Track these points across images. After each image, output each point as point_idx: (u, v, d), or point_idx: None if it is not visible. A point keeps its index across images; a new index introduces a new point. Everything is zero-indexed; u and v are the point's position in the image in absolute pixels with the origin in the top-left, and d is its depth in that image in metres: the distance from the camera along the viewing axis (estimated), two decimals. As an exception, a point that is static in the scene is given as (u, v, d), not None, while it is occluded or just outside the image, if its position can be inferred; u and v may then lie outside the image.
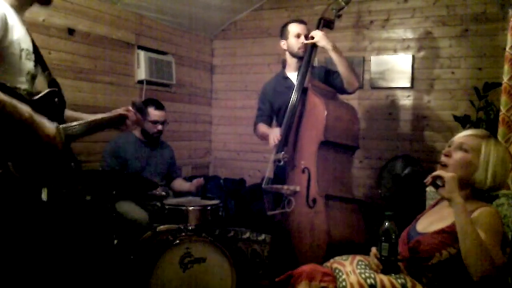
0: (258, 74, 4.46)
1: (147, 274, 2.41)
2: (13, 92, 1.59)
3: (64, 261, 2.73)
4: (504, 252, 1.65)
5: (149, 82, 3.83)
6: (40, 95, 1.75)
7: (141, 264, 2.51)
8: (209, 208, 2.73)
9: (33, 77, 1.77)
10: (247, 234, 3.65)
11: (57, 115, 1.79)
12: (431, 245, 1.70)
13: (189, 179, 3.47)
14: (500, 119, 2.67)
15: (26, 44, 1.74)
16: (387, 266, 1.71)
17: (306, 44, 2.85)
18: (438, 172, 1.70)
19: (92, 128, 1.99)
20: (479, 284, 1.55)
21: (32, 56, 1.78)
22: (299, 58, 2.91)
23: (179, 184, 3.38)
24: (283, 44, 2.97)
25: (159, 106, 3.22)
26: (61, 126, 1.75)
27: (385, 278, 1.68)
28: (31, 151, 1.64)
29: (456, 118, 3.44)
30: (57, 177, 1.79)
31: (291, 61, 2.97)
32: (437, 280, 1.70)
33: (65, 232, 2.83)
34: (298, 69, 2.89)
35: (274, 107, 3.03)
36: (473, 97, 3.47)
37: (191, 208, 2.67)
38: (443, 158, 1.79)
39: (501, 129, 2.66)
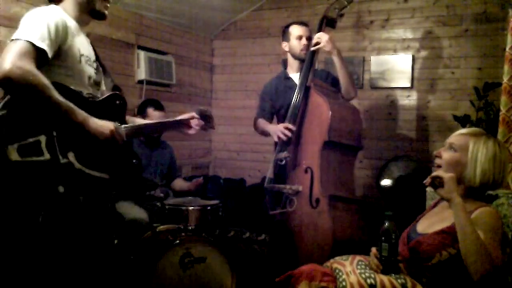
0: (258, 74, 4.46)
1: (147, 274, 2.41)
2: (73, 94, 1.75)
3: (64, 261, 2.73)
4: (504, 252, 1.65)
5: (149, 82, 3.83)
6: (101, 97, 1.91)
7: (141, 264, 2.51)
8: (209, 208, 2.72)
9: (96, 83, 1.93)
10: (247, 234, 3.65)
11: (118, 115, 1.94)
12: (431, 245, 1.70)
13: (189, 179, 3.47)
14: (500, 119, 2.67)
15: (87, 52, 1.92)
16: (387, 266, 1.71)
17: (307, 46, 2.86)
18: (437, 172, 1.70)
19: (154, 129, 2.24)
20: (479, 284, 1.55)
21: (94, 64, 1.94)
22: (301, 60, 2.90)
23: (179, 184, 3.38)
24: (285, 46, 2.97)
25: (159, 107, 3.22)
26: (122, 126, 1.90)
27: (385, 278, 1.68)
28: (91, 147, 1.77)
29: (456, 118, 3.44)
30: (120, 171, 1.94)
31: (293, 63, 2.97)
32: (437, 281, 1.70)
33: (65, 232, 2.83)
34: (300, 70, 2.89)
35: (275, 107, 3.03)
36: (473, 97, 3.47)
37: (191, 208, 2.67)
38: (435, 160, 1.81)
39: (501, 129, 2.66)
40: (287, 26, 2.98)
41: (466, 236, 1.56)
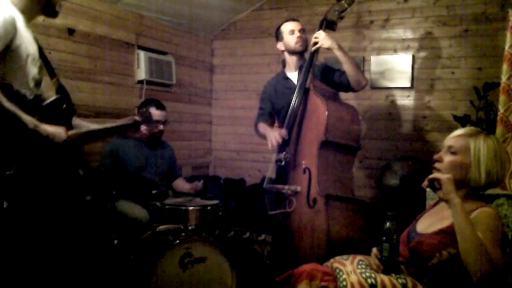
0: (258, 74, 4.46)
1: (147, 274, 2.40)
2: (18, 97, 1.66)
3: (64, 261, 2.73)
4: (504, 252, 1.65)
5: (149, 82, 3.83)
6: (47, 102, 1.81)
7: (141, 264, 2.51)
8: (209, 208, 2.73)
9: (37, 83, 1.83)
10: (247, 234, 3.65)
11: (65, 120, 1.85)
12: (431, 245, 1.70)
13: (189, 179, 3.47)
14: (498, 119, 2.67)
15: (32, 50, 1.80)
16: (388, 266, 1.71)
17: (302, 37, 2.88)
18: (434, 174, 1.70)
19: (101, 133, 2.11)
20: (479, 284, 1.55)
21: (38, 62, 1.83)
22: (299, 55, 2.91)
23: (180, 184, 3.38)
24: (280, 45, 2.99)
25: (160, 106, 3.22)
26: (69, 131, 1.82)
27: (385, 278, 1.68)
28: (39, 155, 1.71)
29: (456, 118, 3.44)
30: (64, 179, 1.86)
31: (291, 60, 2.97)
32: (437, 280, 1.70)
33: (65, 232, 2.83)
34: (299, 68, 2.89)
35: (275, 108, 3.03)
36: (473, 97, 3.47)
37: (191, 208, 2.67)
38: (436, 164, 1.79)
39: (499, 129, 2.67)
40: (279, 27, 3.00)
41: (466, 237, 1.56)
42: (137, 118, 2.18)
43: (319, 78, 2.87)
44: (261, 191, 2.80)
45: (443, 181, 1.63)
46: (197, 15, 4.18)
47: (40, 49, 1.89)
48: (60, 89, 1.93)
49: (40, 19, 2.96)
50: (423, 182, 1.72)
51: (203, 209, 2.71)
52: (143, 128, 2.17)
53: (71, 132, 1.82)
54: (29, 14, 1.81)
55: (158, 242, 2.58)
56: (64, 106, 1.87)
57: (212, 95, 4.78)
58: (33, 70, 1.79)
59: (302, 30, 2.92)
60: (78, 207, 3.00)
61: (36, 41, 1.89)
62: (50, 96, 1.86)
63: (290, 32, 2.91)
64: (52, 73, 1.94)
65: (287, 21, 3.00)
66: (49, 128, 1.72)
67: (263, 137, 3.00)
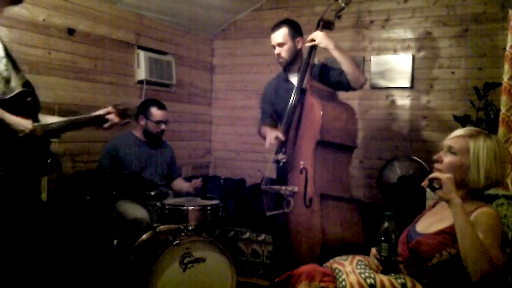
0: (258, 74, 4.47)
1: (147, 274, 2.41)
2: None
3: (64, 261, 2.73)
4: (504, 252, 1.65)
5: (149, 82, 3.83)
6: (11, 94, 1.81)
7: (141, 264, 2.51)
8: (209, 208, 2.73)
9: (7, 81, 1.83)
10: (247, 234, 3.66)
11: (31, 114, 1.85)
12: (431, 245, 1.70)
13: (189, 179, 3.47)
14: (500, 119, 2.67)
15: None
16: (387, 266, 1.71)
17: (279, 54, 2.84)
18: (434, 174, 1.69)
19: (68, 126, 2.07)
20: (479, 284, 1.55)
21: (3, 60, 1.83)
22: (296, 58, 2.88)
23: (179, 184, 3.38)
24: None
25: (162, 106, 3.23)
26: (36, 124, 1.82)
27: (385, 278, 1.68)
28: (8, 147, 1.71)
29: (456, 118, 3.44)
30: (33, 170, 1.85)
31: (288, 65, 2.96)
32: (437, 281, 1.70)
33: (65, 232, 2.84)
34: (298, 69, 2.88)
35: (275, 109, 3.02)
36: (473, 97, 3.47)
37: (191, 208, 2.67)
38: (435, 164, 1.79)
39: (501, 129, 2.66)
40: None
41: (466, 237, 1.56)
42: (110, 109, 2.17)
43: (317, 78, 2.86)
44: (261, 191, 2.80)
45: (443, 180, 1.63)
46: (197, 15, 4.18)
47: (5, 46, 1.89)
48: (26, 84, 1.94)
49: (40, 18, 2.98)
50: (423, 181, 1.72)
51: (203, 209, 2.71)
52: (114, 122, 2.16)
53: (37, 124, 1.82)
54: None
55: (158, 242, 2.58)
56: (29, 99, 1.87)
57: (212, 95, 4.78)
58: None
59: (279, 44, 2.82)
60: (78, 207, 3.00)
61: (1, 39, 1.89)
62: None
63: (272, 47, 2.89)
64: (17, 70, 1.94)
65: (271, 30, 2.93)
66: (14, 118, 1.73)
67: (265, 138, 2.99)
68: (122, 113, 2.20)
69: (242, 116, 4.55)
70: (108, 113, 2.16)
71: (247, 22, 4.56)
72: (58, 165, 2.01)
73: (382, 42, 4.00)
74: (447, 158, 1.75)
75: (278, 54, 2.85)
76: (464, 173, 1.72)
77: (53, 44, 3.08)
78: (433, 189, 1.69)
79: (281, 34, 2.83)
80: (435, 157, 1.80)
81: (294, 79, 2.90)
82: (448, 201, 1.63)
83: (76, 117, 2.13)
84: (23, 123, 1.75)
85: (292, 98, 2.74)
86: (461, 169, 1.72)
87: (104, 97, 3.47)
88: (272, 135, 2.72)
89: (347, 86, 2.83)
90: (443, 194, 1.63)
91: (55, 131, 2.01)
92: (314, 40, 2.73)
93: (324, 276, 1.80)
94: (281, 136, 2.70)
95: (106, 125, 2.17)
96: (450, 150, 1.76)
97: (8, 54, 1.90)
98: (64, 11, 3.15)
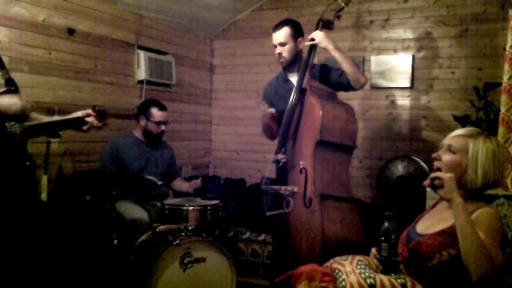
0: (258, 74, 4.46)
1: (147, 274, 2.41)
2: None
3: (64, 261, 2.73)
4: (504, 252, 1.65)
5: (149, 82, 3.83)
6: None
7: (141, 264, 2.51)
8: (209, 208, 2.73)
9: None
10: (247, 234, 3.66)
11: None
12: (431, 246, 1.70)
13: (189, 179, 3.48)
14: (500, 119, 2.67)
15: None
16: (387, 266, 1.71)
17: (280, 53, 2.84)
18: (436, 173, 1.69)
19: (44, 127, 2.04)
20: (479, 284, 1.55)
21: None
22: (296, 58, 2.88)
23: (179, 184, 3.38)
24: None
25: (162, 107, 3.23)
26: (17, 124, 1.80)
27: (385, 278, 1.68)
28: None
29: (456, 118, 3.44)
30: (13, 173, 1.83)
31: (289, 66, 2.96)
32: (437, 281, 1.70)
33: (65, 232, 2.84)
34: (298, 69, 2.88)
35: (275, 109, 3.02)
36: (473, 97, 3.47)
37: (191, 208, 2.67)
38: (434, 162, 1.79)
39: (501, 129, 2.66)
40: None
41: (467, 237, 1.56)
42: (89, 111, 2.15)
43: (318, 78, 2.86)
44: (260, 191, 2.80)
45: (445, 180, 1.63)
46: (197, 15, 4.18)
47: None
48: (9, 82, 1.91)
49: (40, 18, 2.98)
50: (425, 181, 1.72)
51: (203, 209, 2.71)
52: (92, 124, 2.14)
53: (20, 126, 1.80)
54: None
55: (158, 242, 2.58)
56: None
57: (212, 95, 4.78)
58: None
59: (281, 44, 2.82)
60: (78, 207, 3.00)
61: None
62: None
63: (274, 46, 2.89)
64: (1, 66, 1.92)
65: (272, 30, 2.93)
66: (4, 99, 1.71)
67: (267, 130, 2.97)
68: (100, 115, 2.18)
69: (242, 116, 4.55)
70: (88, 115, 2.15)
71: (247, 22, 4.56)
72: (34, 167, 1.98)
73: (382, 42, 4.00)
74: (446, 157, 1.76)
75: (279, 54, 2.85)
76: (462, 173, 1.72)
77: (53, 44, 3.08)
78: (435, 189, 1.69)
79: (283, 34, 2.83)
80: (434, 155, 1.80)
81: (294, 79, 2.90)
82: (449, 201, 1.63)
83: (54, 118, 2.10)
84: (12, 102, 1.72)
85: (292, 98, 2.74)
86: (459, 168, 1.72)
87: (104, 97, 3.47)
88: (269, 110, 2.76)
89: (347, 86, 2.83)
90: (444, 193, 1.64)
91: (34, 132, 1.97)
92: (314, 40, 2.73)
93: (324, 276, 1.80)
94: (273, 110, 2.75)
95: (85, 127, 2.15)
96: (450, 148, 1.76)
97: None
98: (64, 11, 3.15)
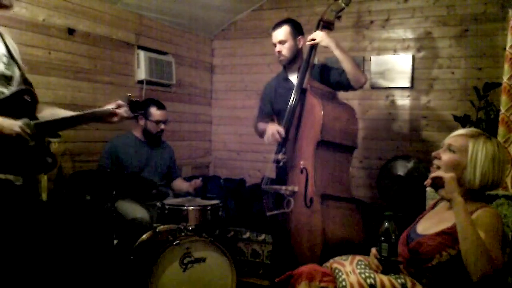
0: (258, 74, 4.46)
1: (147, 274, 2.41)
2: None
3: (64, 261, 2.73)
4: (504, 252, 1.65)
5: (149, 82, 3.83)
6: (5, 95, 1.79)
7: (141, 264, 2.51)
8: (209, 208, 2.73)
9: (7, 79, 1.82)
10: (247, 234, 3.65)
11: (27, 112, 1.84)
12: (432, 246, 1.70)
13: (189, 179, 3.47)
14: (499, 119, 2.67)
15: None
16: (387, 266, 1.71)
17: (280, 51, 2.84)
18: (437, 173, 1.70)
19: (70, 122, 2.06)
20: (479, 284, 1.55)
21: (4, 58, 1.83)
22: (296, 57, 2.88)
23: (179, 184, 3.38)
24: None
25: (161, 106, 3.23)
26: (32, 122, 1.81)
27: (385, 278, 1.68)
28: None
29: (456, 118, 3.44)
30: (31, 170, 1.84)
31: (289, 64, 2.96)
32: (437, 281, 1.70)
33: (65, 232, 2.84)
34: (298, 69, 2.88)
35: (274, 108, 3.02)
36: (473, 97, 3.47)
37: (191, 208, 2.67)
38: (434, 161, 1.79)
39: (501, 129, 2.66)
40: None
41: (467, 236, 1.56)
42: (120, 102, 2.09)
43: (318, 78, 2.86)
44: (261, 191, 2.80)
45: (446, 179, 1.64)
46: (197, 15, 4.18)
47: (7, 47, 1.90)
48: (25, 82, 1.92)
49: (40, 18, 2.98)
50: (426, 180, 1.72)
51: (203, 209, 2.71)
52: (122, 116, 2.09)
53: (36, 123, 1.81)
54: None
55: (158, 242, 2.58)
56: (26, 97, 1.86)
57: (212, 95, 4.78)
58: None
59: (281, 42, 2.83)
60: (78, 207, 3.00)
61: (1, 37, 1.90)
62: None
63: (273, 45, 2.89)
64: (19, 69, 1.93)
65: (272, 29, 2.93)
66: (3, 120, 1.70)
67: (262, 135, 2.98)
68: (134, 105, 2.12)
69: (242, 116, 4.55)
70: (119, 106, 2.08)
71: (247, 22, 4.56)
72: (55, 164, 1.97)
73: (382, 42, 4.00)
74: (446, 156, 1.76)
75: (279, 52, 2.85)
76: (461, 172, 1.72)
77: (53, 44, 3.08)
78: (436, 188, 1.69)
79: (282, 32, 2.83)
80: (434, 153, 1.81)
81: (293, 78, 2.90)
82: (450, 200, 1.63)
83: (83, 112, 2.09)
84: (10, 125, 1.71)
85: (293, 98, 2.74)
86: (458, 168, 1.73)
87: (104, 97, 3.46)
88: (274, 128, 2.72)
89: (347, 86, 2.83)
90: (445, 193, 1.64)
91: (53, 127, 1.96)
92: (315, 39, 2.73)
93: (324, 276, 1.80)
94: (282, 131, 2.69)
95: (116, 118, 2.08)
96: (450, 147, 1.77)
97: (10, 55, 1.89)
98: (64, 11, 3.15)
